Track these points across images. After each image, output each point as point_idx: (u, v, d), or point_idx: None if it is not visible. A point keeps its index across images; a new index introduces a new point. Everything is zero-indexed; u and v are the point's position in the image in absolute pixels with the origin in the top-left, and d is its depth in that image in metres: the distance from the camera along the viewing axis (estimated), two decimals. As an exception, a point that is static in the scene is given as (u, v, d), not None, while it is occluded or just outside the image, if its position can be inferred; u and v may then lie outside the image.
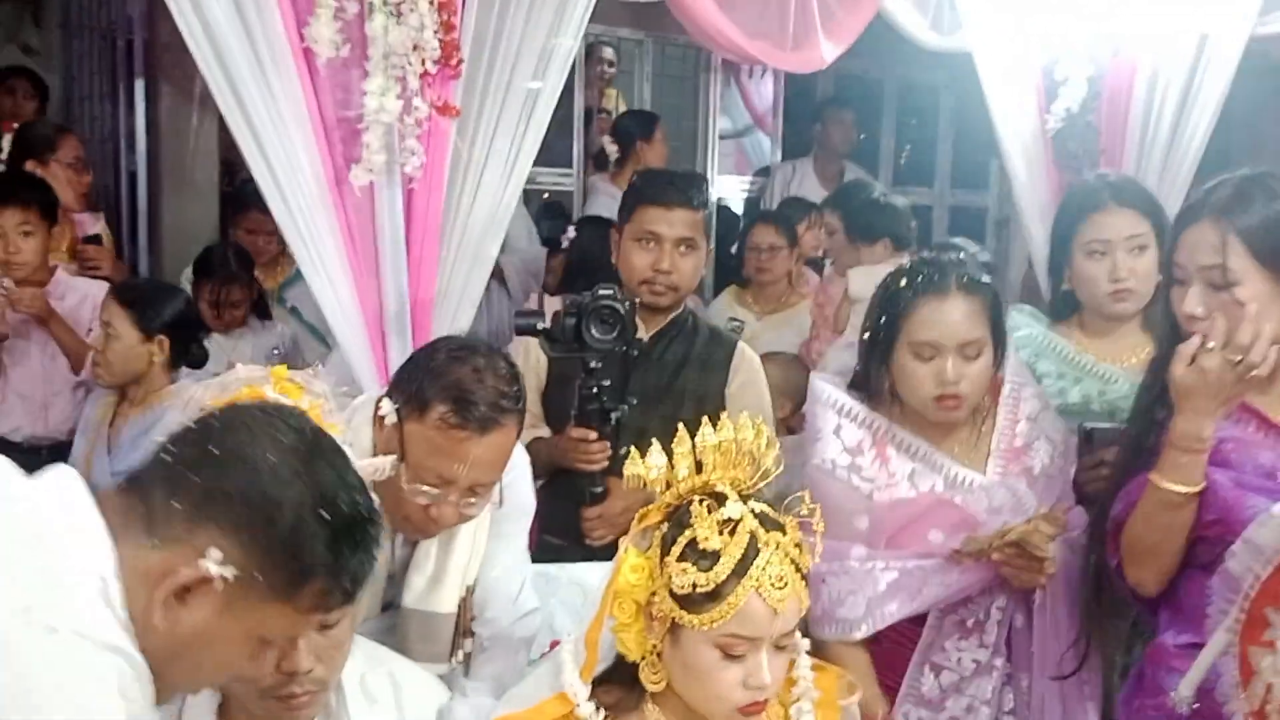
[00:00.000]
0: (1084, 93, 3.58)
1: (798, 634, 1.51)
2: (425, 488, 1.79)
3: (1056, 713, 2.14)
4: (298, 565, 1.14)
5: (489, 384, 1.80)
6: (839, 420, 2.16)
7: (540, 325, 2.33)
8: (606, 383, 2.32)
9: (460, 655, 1.97)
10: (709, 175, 5.71)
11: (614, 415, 2.34)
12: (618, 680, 1.49)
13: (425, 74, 2.43)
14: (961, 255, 2.25)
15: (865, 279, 3.50)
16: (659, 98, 5.57)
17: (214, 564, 1.10)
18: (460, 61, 2.50)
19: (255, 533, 1.12)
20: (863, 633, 2.12)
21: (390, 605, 1.98)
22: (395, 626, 1.95)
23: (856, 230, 3.91)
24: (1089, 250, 2.40)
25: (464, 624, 1.96)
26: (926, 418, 2.12)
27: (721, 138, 6.46)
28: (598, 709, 1.46)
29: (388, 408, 1.82)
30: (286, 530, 1.13)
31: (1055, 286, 2.53)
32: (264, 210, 2.49)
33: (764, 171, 6.16)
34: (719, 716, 1.43)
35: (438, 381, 1.80)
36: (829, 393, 2.18)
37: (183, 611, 1.12)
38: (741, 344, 2.66)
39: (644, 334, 2.57)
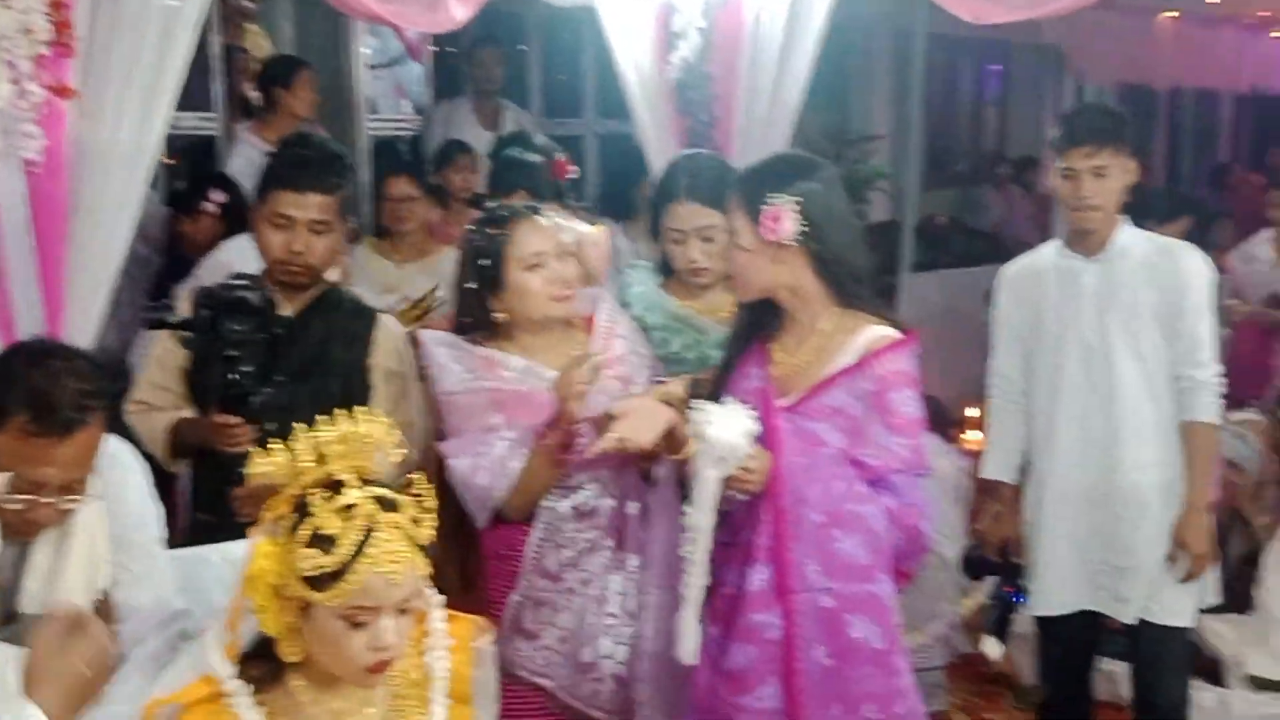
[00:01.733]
0: (699, 43, 3.88)
1: (425, 594, 1.71)
2: (18, 496, 1.82)
3: (660, 592, 2.42)
4: None
5: (68, 385, 1.83)
6: (450, 354, 2.45)
7: (172, 318, 2.36)
8: (247, 368, 2.39)
9: None
10: (358, 112, 5.70)
11: (254, 399, 2.43)
12: (262, 655, 1.64)
13: (40, 56, 2.41)
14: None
15: None
16: (303, 37, 5.47)
17: None
18: (73, 40, 2.48)
19: None
20: (500, 502, 2.40)
21: (10, 617, 1.97)
22: (21, 637, 1.96)
23: (494, 184, 4.11)
24: (670, 237, 2.73)
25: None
26: (549, 320, 2.46)
27: (372, 67, 6.43)
28: (245, 684, 1.61)
29: None
30: None
31: (661, 249, 2.81)
32: None
33: (421, 110, 6.20)
34: (352, 676, 1.61)
35: (14, 390, 1.82)
36: (434, 337, 2.51)
37: None
38: (383, 317, 2.78)
39: (289, 311, 2.66)
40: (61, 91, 2.44)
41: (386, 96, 6.85)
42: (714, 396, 2.29)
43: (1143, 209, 5.21)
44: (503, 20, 6.25)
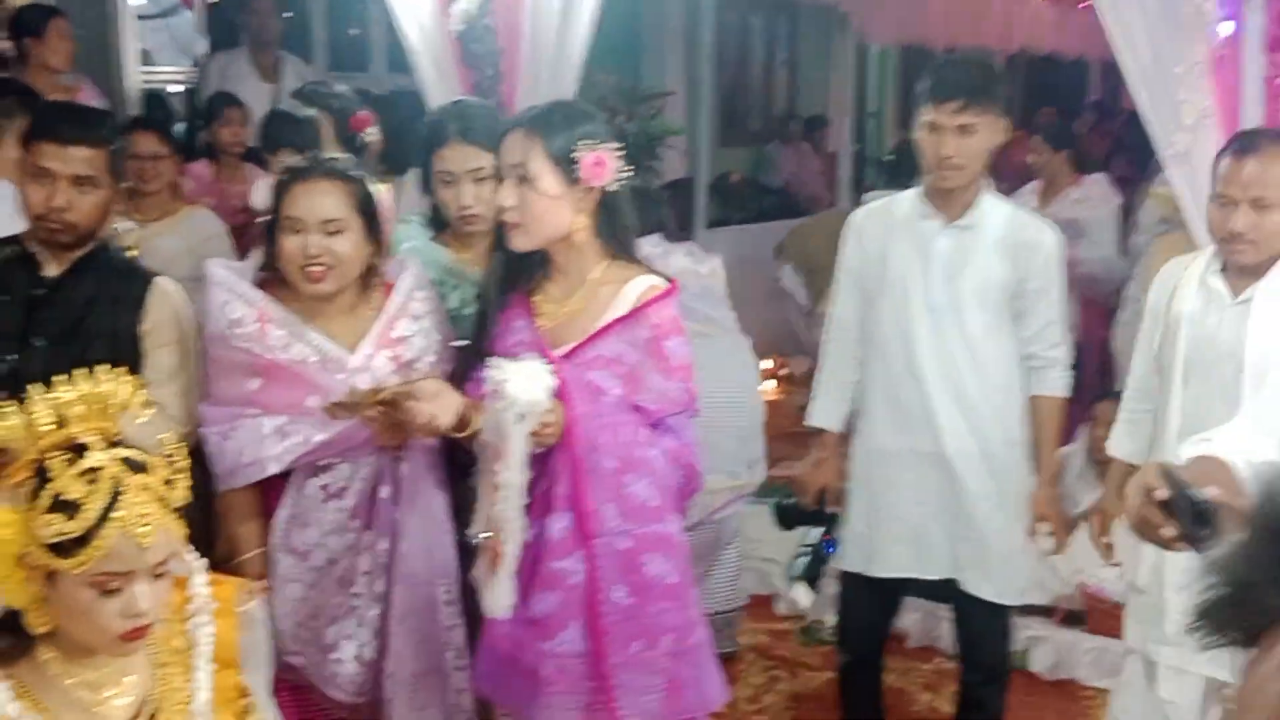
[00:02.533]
0: (482, -3, 3.84)
1: (186, 557, 1.65)
2: None
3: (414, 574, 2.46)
4: None
5: None
6: (226, 297, 2.40)
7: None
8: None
9: None
10: (126, 63, 5.44)
11: (3, 364, 2.30)
12: (7, 630, 1.55)
13: None
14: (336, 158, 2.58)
15: (266, 192, 3.66)
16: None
17: None
18: None
19: None
20: (250, 477, 2.38)
21: None
22: None
23: (263, 141, 3.99)
24: (441, 180, 2.67)
25: None
26: (300, 290, 2.40)
27: (142, 18, 6.14)
28: (-11, 660, 1.53)
29: None
30: None
31: (430, 199, 2.76)
32: None
33: (197, 63, 5.95)
34: (105, 646, 1.55)
35: None
36: (220, 275, 2.45)
37: None
38: (159, 280, 2.65)
39: (54, 271, 2.52)
40: None
41: (165, 48, 6.56)
42: (478, 350, 2.29)
43: (910, 161, 5.45)
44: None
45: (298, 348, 2.38)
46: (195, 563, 1.71)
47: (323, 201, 2.38)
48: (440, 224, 2.75)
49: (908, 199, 3.09)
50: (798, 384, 6.95)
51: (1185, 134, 2.93)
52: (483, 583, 2.25)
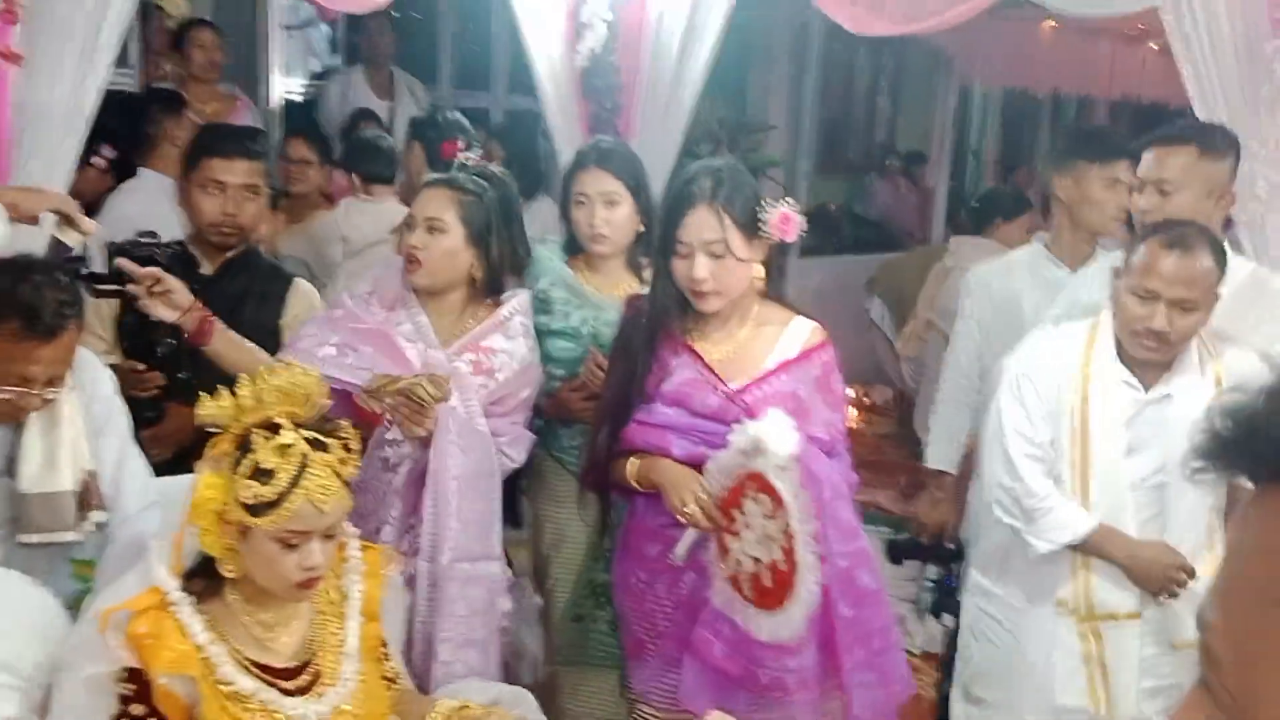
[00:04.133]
0: (605, 34, 4.15)
1: (344, 524, 1.97)
2: (8, 388, 2.13)
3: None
4: None
5: (49, 296, 2.11)
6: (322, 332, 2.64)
7: (84, 270, 2.55)
8: (154, 318, 2.57)
9: (91, 524, 2.26)
10: (270, 71, 5.84)
11: (159, 349, 2.65)
12: (202, 573, 1.88)
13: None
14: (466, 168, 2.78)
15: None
16: (219, -2, 5.59)
17: None
18: (17, 7, 2.65)
19: None
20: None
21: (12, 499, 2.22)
22: (13, 512, 2.22)
23: (345, 160, 4.35)
24: (577, 202, 2.94)
25: (91, 500, 2.25)
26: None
27: (286, 28, 6.54)
28: (187, 595, 1.85)
29: None
30: None
31: (567, 224, 3.02)
32: None
33: (322, 75, 6.32)
34: (283, 592, 1.87)
35: (3, 302, 2.09)
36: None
37: None
38: (298, 281, 3.00)
39: (210, 269, 2.89)
40: (9, 57, 2.61)
41: (297, 57, 6.97)
42: (632, 392, 2.51)
43: (992, 207, 5.64)
44: (418, -4, 6.41)
45: (403, 320, 2.64)
46: (350, 529, 2.03)
47: (430, 203, 2.66)
48: (574, 248, 3.02)
49: (1025, 253, 3.36)
50: (879, 413, 7.13)
51: (1258, 204, 3.12)
52: (745, 612, 2.40)
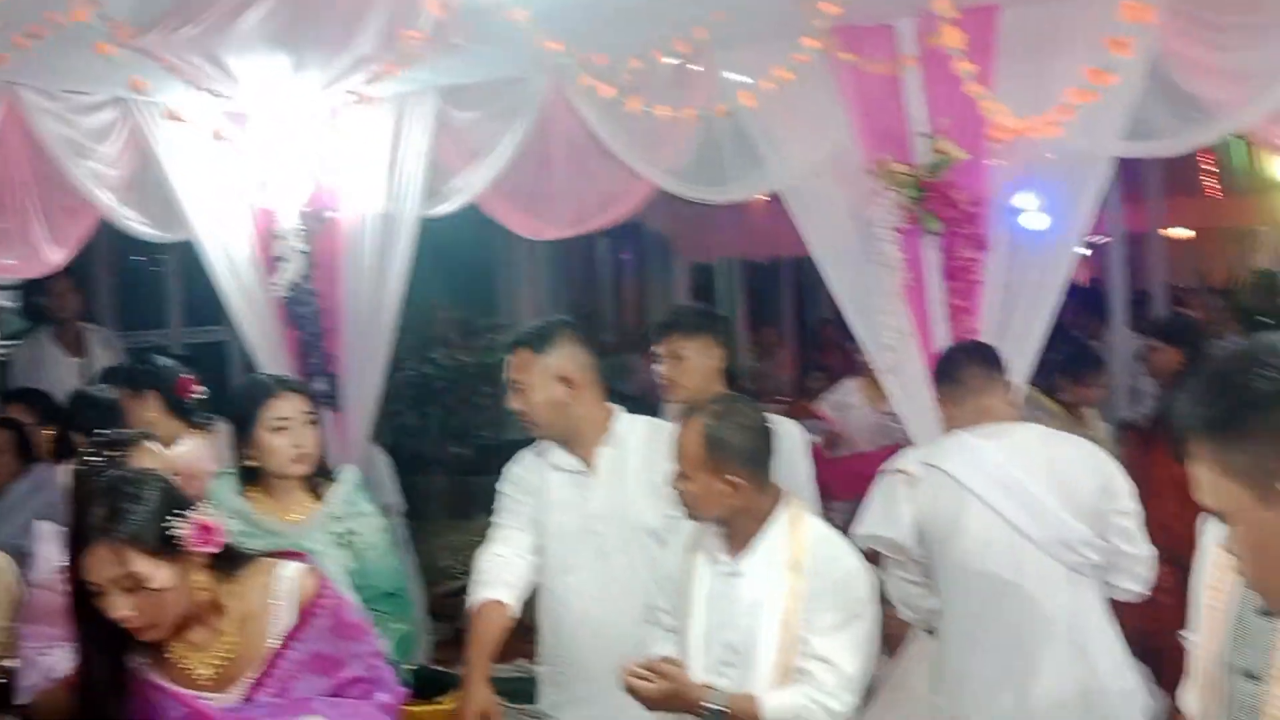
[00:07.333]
0: (304, 265, 4.32)
1: None
2: None
3: None
4: None
5: None
6: None
7: None
8: None
9: None
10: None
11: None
12: None
13: None
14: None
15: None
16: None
17: None
18: None
19: None
20: None
21: None
22: None
23: (70, 422, 4.23)
24: (273, 427, 2.99)
25: None
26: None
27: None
28: None
29: None
30: None
31: (240, 458, 3.06)
32: None
33: (12, 336, 6.16)
34: None
35: None
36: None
37: None
38: None
39: None
40: None
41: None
42: None
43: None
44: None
45: None
46: None
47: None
48: (250, 476, 3.05)
49: None
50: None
51: (889, 352, 3.47)
52: None
